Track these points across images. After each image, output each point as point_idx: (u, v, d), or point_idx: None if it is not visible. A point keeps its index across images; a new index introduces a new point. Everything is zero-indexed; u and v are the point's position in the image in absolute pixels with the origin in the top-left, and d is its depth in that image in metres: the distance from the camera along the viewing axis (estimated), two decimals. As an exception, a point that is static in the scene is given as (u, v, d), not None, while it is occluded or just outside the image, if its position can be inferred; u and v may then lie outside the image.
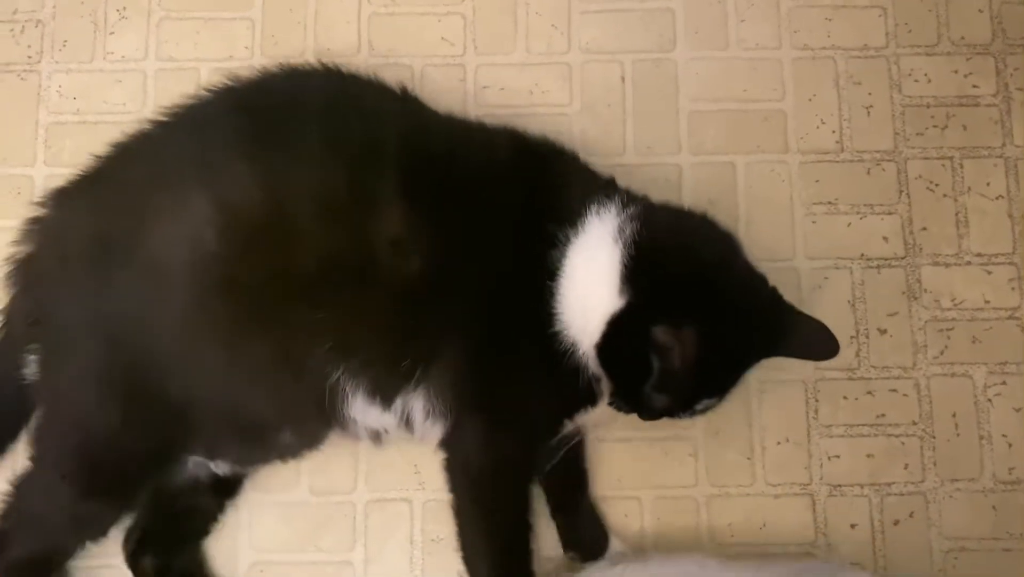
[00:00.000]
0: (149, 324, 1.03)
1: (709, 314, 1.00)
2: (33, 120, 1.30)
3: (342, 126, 1.06)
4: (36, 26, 1.33)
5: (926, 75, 1.32)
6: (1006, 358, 1.24)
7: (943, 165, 1.30)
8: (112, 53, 1.33)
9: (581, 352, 1.04)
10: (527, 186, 1.07)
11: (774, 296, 1.07)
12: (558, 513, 1.18)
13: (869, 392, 1.24)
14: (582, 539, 1.17)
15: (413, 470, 1.21)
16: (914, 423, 1.23)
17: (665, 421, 1.20)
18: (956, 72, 1.32)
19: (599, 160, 1.26)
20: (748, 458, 1.22)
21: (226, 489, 1.18)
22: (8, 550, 1.09)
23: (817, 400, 1.23)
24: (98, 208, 1.07)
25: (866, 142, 1.30)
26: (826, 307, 1.24)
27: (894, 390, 1.24)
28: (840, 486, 1.22)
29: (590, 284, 1.03)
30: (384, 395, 1.06)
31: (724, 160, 1.29)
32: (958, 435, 1.23)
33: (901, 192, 1.29)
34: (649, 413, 1.06)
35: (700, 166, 1.28)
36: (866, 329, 1.25)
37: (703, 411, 1.07)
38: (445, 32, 1.33)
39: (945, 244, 1.28)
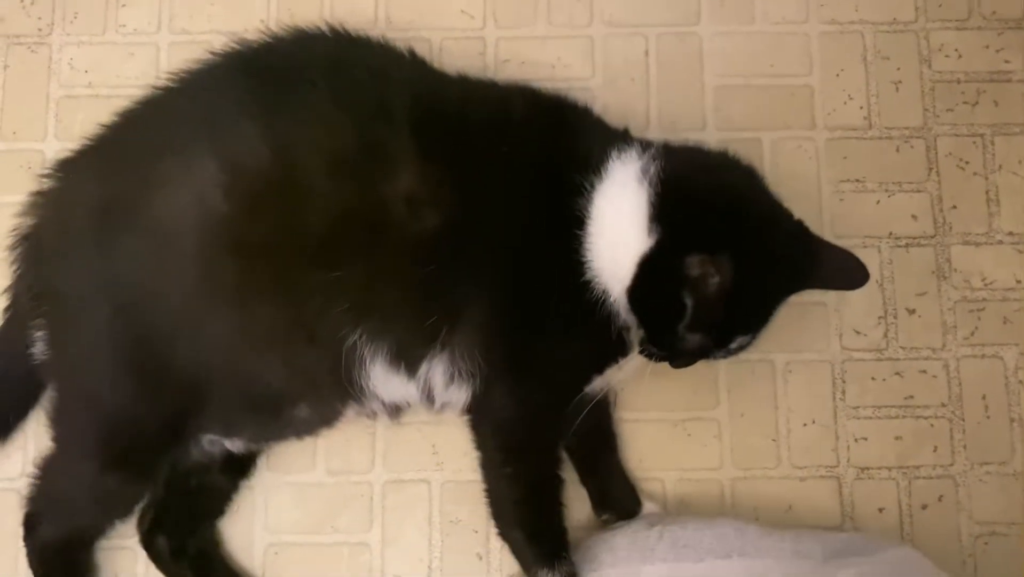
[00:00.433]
0: (157, 291, 1.01)
1: (741, 242, 0.98)
2: (44, 94, 1.28)
3: (351, 84, 1.04)
4: (47, -3, 1.30)
5: (956, 50, 1.29)
6: (1038, 339, 1.22)
7: (974, 142, 1.27)
8: (124, 26, 1.30)
9: (612, 299, 1.03)
10: (546, 138, 1.06)
11: (801, 227, 1.06)
12: (589, 476, 1.16)
13: (897, 373, 1.21)
14: (615, 500, 1.16)
15: (431, 450, 1.19)
16: (943, 405, 1.21)
17: (689, 402, 1.19)
18: (987, 47, 1.30)
19: (622, 136, 1.25)
20: (773, 440, 1.20)
21: (239, 468, 1.17)
22: (37, 531, 1.10)
23: (844, 381, 1.21)
24: (102, 175, 1.06)
25: (895, 118, 1.28)
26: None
27: (923, 371, 1.21)
28: (867, 469, 1.19)
29: (618, 227, 1.02)
30: (408, 359, 1.04)
31: (750, 136, 1.27)
32: (988, 417, 1.20)
33: (930, 170, 1.26)
34: (682, 357, 1.04)
35: (726, 142, 1.24)
36: (894, 309, 1.23)
37: (737, 349, 1.05)
38: (464, 5, 1.30)
39: (975, 223, 1.25)
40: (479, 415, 1.07)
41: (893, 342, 1.22)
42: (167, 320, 1.02)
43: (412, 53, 1.11)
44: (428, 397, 1.08)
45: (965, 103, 1.28)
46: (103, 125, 1.10)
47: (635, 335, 1.06)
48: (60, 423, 1.09)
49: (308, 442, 1.18)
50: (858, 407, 1.21)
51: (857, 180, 1.26)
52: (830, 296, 1.21)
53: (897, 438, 1.20)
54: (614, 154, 1.05)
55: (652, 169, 1.02)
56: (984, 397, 1.21)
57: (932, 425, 1.20)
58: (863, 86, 1.29)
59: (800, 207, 1.23)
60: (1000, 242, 1.25)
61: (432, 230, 1.01)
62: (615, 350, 1.07)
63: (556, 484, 1.07)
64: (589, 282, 1.02)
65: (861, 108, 1.28)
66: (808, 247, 1.05)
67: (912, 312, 1.23)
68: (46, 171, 1.10)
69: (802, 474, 1.19)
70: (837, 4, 1.30)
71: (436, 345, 1.03)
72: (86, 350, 1.05)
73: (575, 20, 1.30)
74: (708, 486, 1.19)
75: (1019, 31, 1.30)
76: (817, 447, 1.20)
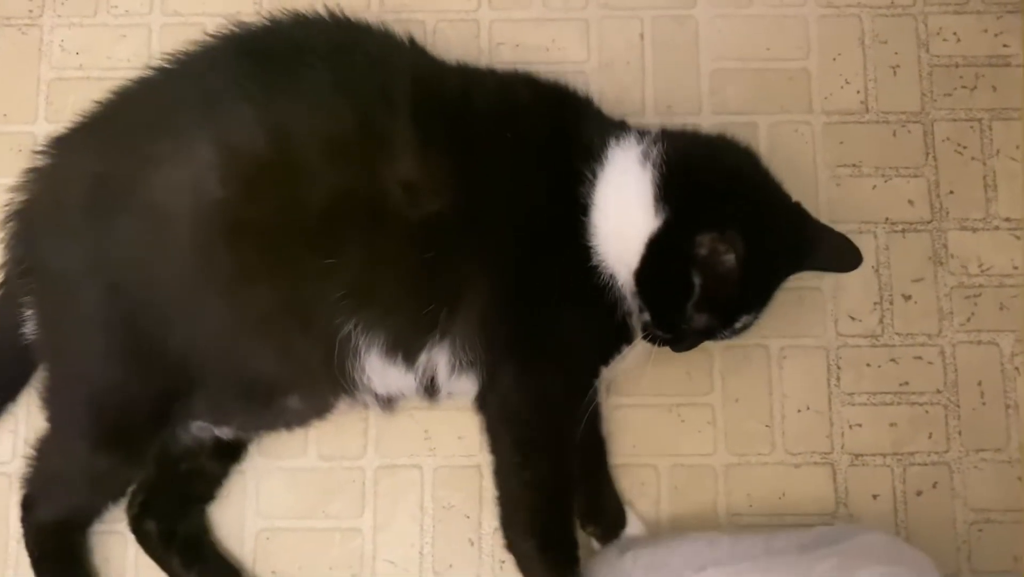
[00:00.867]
0: (150, 272, 1.01)
1: (748, 220, 0.98)
2: (35, 76, 1.27)
3: (349, 69, 1.03)
4: (37, -22, 1.29)
5: (955, 34, 1.28)
6: (1034, 326, 1.21)
7: (971, 127, 1.26)
8: (116, 7, 1.29)
9: (620, 283, 1.03)
10: (548, 126, 1.06)
11: (800, 208, 1.07)
12: (578, 487, 1.13)
13: (893, 359, 1.21)
14: (603, 513, 1.14)
15: (424, 436, 1.18)
16: (939, 391, 1.20)
17: (682, 387, 1.19)
18: (986, 31, 1.28)
19: (617, 120, 1.24)
20: (768, 426, 1.19)
21: (230, 453, 1.16)
22: (34, 512, 1.10)
23: (839, 367, 1.20)
24: (97, 153, 1.05)
25: (892, 103, 1.27)
26: (850, 272, 1.21)
27: (919, 357, 1.21)
28: (862, 455, 1.19)
29: (624, 210, 1.02)
30: (407, 349, 1.03)
31: (746, 120, 1.26)
32: (984, 404, 1.20)
33: (928, 154, 1.25)
34: (686, 339, 1.05)
35: (722, 126, 1.23)
36: (890, 295, 1.22)
37: (742, 329, 1.05)
38: (459, -14, 1.29)
39: (972, 208, 1.24)
40: (490, 408, 1.06)
41: (889, 328, 1.21)
42: (159, 302, 1.01)
43: (412, 40, 1.10)
44: (430, 387, 1.07)
45: (963, 87, 1.27)
46: (98, 103, 1.09)
47: (638, 321, 1.05)
48: (52, 403, 1.08)
49: (299, 430, 1.17)
50: (853, 393, 1.20)
51: (854, 165, 1.25)
52: (826, 282, 1.21)
53: (892, 424, 1.19)
54: (613, 141, 1.05)
55: (654, 152, 1.03)
56: (980, 384, 1.20)
57: (927, 412, 1.20)
58: (861, 70, 1.27)
59: (797, 191, 1.23)
60: (997, 228, 1.24)
61: (431, 216, 1.00)
62: (620, 337, 1.07)
63: (571, 489, 1.06)
64: (596, 267, 1.03)
65: (858, 92, 1.27)
66: (806, 228, 1.06)
67: (908, 298, 1.22)
68: (40, 147, 1.09)
69: (796, 460, 1.18)
70: (835, -13, 1.30)
71: (435, 333, 1.02)
72: (76, 328, 1.04)
73: (570, 3, 1.29)
74: (702, 472, 1.18)
75: (1017, 15, 1.28)
76: (812, 433, 1.19)
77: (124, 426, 1.05)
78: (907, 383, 1.20)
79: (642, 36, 1.28)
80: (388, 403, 1.11)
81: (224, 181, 0.99)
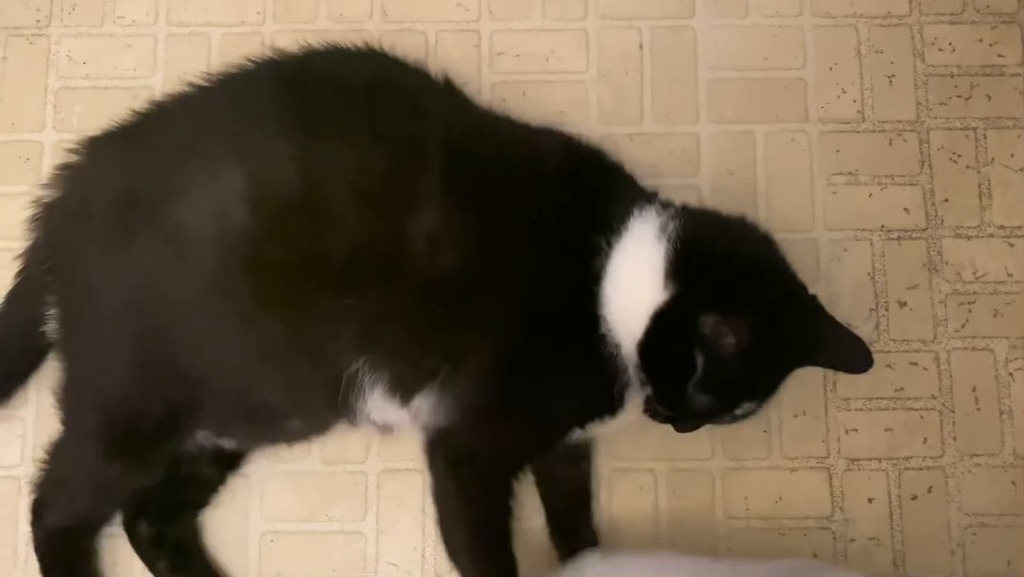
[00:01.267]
0: (168, 292, 1.02)
1: (757, 307, 0.98)
2: (42, 85, 1.29)
3: (386, 114, 1.03)
4: (45, -11, 1.31)
5: (950, 44, 1.30)
6: (1028, 332, 1.23)
7: (966, 136, 1.27)
8: (122, 17, 1.31)
9: (624, 353, 1.02)
10: (576, 194, 1.05)
11: (814, 302, 1.05)
12: (558, 531, 1.16)
13: (888, 365, 1.22)
14: (576, 551, 1.12)
15: (425, 441, 1.20)
16: (934, 397, 1.21)
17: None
18: (981, 41, 1.30)
19: (616, 129, 1.26)
20: (764, 431, 1.21)
21: (230, 461, 1.17)
22: (43, 518, 1.11)
23: (835, 373, 1.21)
24: (130, 165, 1.06)
25: (888, 112, 1.28)
26: (845, 279, 1.23)
27: (914, 363, 1.22)
28: (857, 460, 1.20)
29: (635, 281, 1.01)
30: (404, 391, 1.04)
31: (743, 129, 1.27)
32: (978, 409, 1.21)
33: (923, 163, 1.27)
34: (687, 418, 1.04)
35: (719, 135, 1.26)
36: (886, 302, 1.23)
37: (743, 416, 1.04)
38: (459, -3, 1.31)
39: (967, 216, 1.25)
40: (446, 440, 1.05)
41: (884, 334, 1.23)
42: (175, 322, 1.02)
43: (448, 82, 1.10)
44: (417, 421, 1.07)
45: (958, 97, 1.28)
46: (136, 112, 1.10)
47: (640, 394, 1.05)
48: (66, 403, 1.09)
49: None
50: (849, 399, 1.21)
51: (850, 173, 1.26)
52: (821, 289, 1.21)
53: (887, 430, 1.21)
54: (635, 212, 1.04)
55: (671, 227, 1.02)
56: (974, 389, 1.22)
57: (922, 417, 1.21)
58: (857, 79, 1.29)
59: (793, 199, 1.25)
60: (991, 235, 1.25)
61: (448, 271, 1.00)
62: (607, 407, 1.06)
63: (508, 522, 1.06)
64: (603, 336, 1.02)
65: (854, 101, 1.28)
66: (818, 322, 1.04)
67: (903, 305, 1.24)
68: (76, 147, 1.10)
69: (793, 465, 1.20)
70: (831, -3, 1.31)
71: (436, 382, 1.03)
72: (92, 336, 1.05)
73: (569, 13, 1.30)
74: (699, 476, 1.20)
75: (1013, 25, 1.30)
76: (808, 438, 1.20)
77: (133, 435, 1.06)
78: (902, 389, 1.22)
79: (641, 46, 1.30)
80: (387, 430, 1.13)
81: (251, 214, 0.99)
